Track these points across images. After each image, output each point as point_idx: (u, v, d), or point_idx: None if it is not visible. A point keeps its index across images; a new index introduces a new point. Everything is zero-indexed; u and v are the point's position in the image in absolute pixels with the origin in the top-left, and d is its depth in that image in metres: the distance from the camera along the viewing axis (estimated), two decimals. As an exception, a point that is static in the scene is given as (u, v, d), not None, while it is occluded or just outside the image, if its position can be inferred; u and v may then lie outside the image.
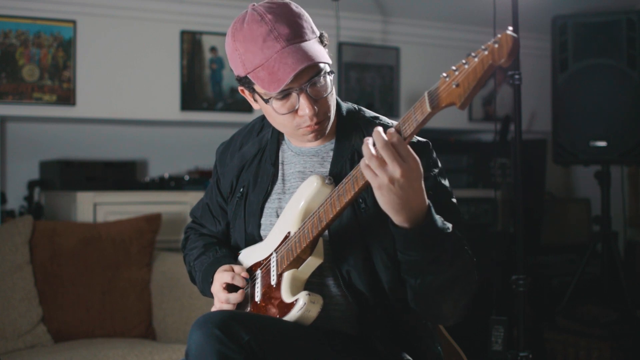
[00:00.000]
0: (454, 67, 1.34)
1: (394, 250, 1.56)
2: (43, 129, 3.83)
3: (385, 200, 1.44)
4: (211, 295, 1.81)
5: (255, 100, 1.72)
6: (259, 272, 1.74)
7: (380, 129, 1.44)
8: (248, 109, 3.92)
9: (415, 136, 1.68)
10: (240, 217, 1.82)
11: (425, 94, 1.38)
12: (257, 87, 1.66)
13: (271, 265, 1.69)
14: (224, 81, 3.92)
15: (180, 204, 3.61)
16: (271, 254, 1.71)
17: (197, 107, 3.86)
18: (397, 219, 1.47)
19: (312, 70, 1.60)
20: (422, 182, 1.46)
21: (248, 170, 1.85)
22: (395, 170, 1.40)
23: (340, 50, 4.18)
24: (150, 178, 3.79)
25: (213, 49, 3.88)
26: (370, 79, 4.31)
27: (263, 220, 1.79)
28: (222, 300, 1.73)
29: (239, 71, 1.67)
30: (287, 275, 1.64)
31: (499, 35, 1.28)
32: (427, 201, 1.48)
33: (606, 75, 3.77)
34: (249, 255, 1.80)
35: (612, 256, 3.79)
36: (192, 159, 4.04)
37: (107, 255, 3.20)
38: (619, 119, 3.74)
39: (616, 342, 3.48)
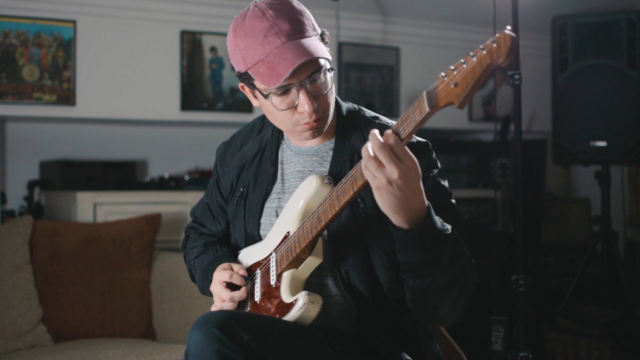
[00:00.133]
0: (452, 67, 1.34)
1: (392, 250, 1.56)
2: (43, 129, 3.83)
3: (384, 201, 1.44)
4: (211, 294, 1.81)
5: (255, 97, 1.72)
6: (258, 272, 1.74)
7: (376, 131, 1.44)
8: (248, 109, 3.92)
9: (414, 136, 1.68)
10: (240, 216, 1.82)
11: (424, 93, 1.38)
12: (257, 83, 1.66)
13: (270, 265, 1.69)
14: (224, 81, 3.92)
15: (180, 204, 3.61)
16: (270, 254, 1.71)
17: (197, 107, 3.86)
18: (396, 220, 1.47)
19: (312, 66, 1.61)
20: (421, 183, 1.46)
21: (248, 170, 1.85)
22: (392, 171, 1.40)
23: (340, 50, 4.18)
24: (150, 178, 3.79)
25: (213, 49, 3.88)
26: (370, 79, 4.32)
27: (263, 220, 1.79)
28: (225, 298, 1.73)
29: (239, 67, 1.67)
30: (286, 275, 1.64)
31: (498, 35, 1.28)
32: (427, 202, 1.48)
33: (606, 75, 3.77)
34: (249, 255, 1.80)
35: (612, 256, 3.79)
36: (192, 159, 4.04)
37: (107, 255, 3.20)
38: (619, 119, 3.74)
39: (616, 342, 3.48)
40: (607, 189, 3.84)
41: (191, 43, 3.84)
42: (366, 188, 1.49)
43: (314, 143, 1.77)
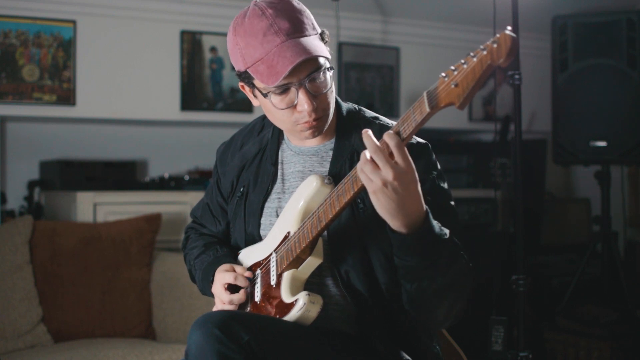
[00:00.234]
0: (452, 67, 1.34)
1: (391, 251, 1.56)
2: (43, 129, 3.83)
3: (380, 205, 1.44)
4: (211, 295, 1.81)
5: (255, 96, 1.72)
6: (258, 272, 1.74)
7: (370, 133, 1.44)
8: (248, 109, 3.92)
9: (414, 137, 1.68)
10: (241, 216, 1.82)
11: (424, 94, 1.38)
12: (256, 82, 1.66)
13: (271, 265, 1.69)
14: (224, 81, 3.92)
15: (180, 204, 3.61)
16: (271, 254, 1.71)
17: (197, 107, 3.86)
18: (393, 224, 1.47)
19: (312, 65, 1.61)
20: (419, 187, 1.45)
21: (248, 170, 1.85)
22: (387, 173, 1.40)
23: (340, 50, 4.18)
24: (150, 178, 3.79)
25: (213, 49, 3.88)
26: (370, 79, 4.31)
27: (263, 220, 1.79)
28: (225, 302, 1.73)
29: (239, 66, 1.67)
30: (286, 275, 1.64)
31: (498, 35, 1.28)
32: (425, 207, 1.48)
33: (606, 75, 3.77)
34: (249, 255, 1.80)
35: (612, 256, 3.79)
36: (192, 159, 4.04)
37: (107, 255, 3.20)
38: (619, 119, 3.74)
39: (616, 342, 3.48)
40: (607, 189, 3.84)
41: (191, 43, 3.84)
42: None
43: (314, 143, 1.77)
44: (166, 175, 3.78)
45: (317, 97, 1.64)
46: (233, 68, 1.72)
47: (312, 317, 1.57)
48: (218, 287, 1.75)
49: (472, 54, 1.32)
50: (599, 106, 3.77)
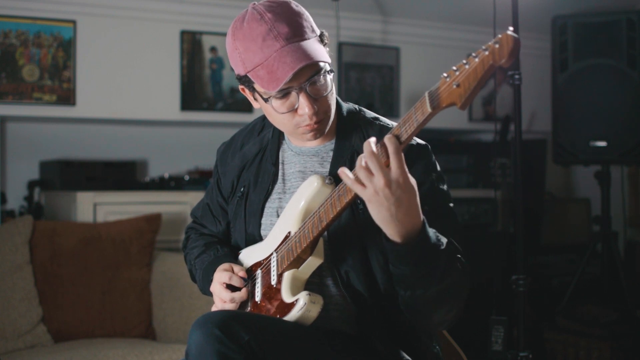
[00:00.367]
0: (454, 67, 1.34)
1: None
2: (43, 129, 3.83)
3: (374, 213, 1.45)
4: (211, 294, 1.81)
5: (256, 99, 1.72)
6: (259, 272, 1.74)
7: (373, 140, 1.44)
8: (248, 109, 3.92)
9: (414, 138, 1.68)
10: (241, 216, 1.82)
11: (426, 94, 1.38)
12: (256, 86, 1.66)
13: (271, 265, 1.69)
14: (224, 81, 3.92)
15: (180, 204, 3.61)
16: (271, 254, 1.71)
17: (197, 107, 3.86)
18: (388, 232, 1.46)
19: (312, 69, 1.60)
20: (415, 197, 1.44)
21: (249, 170, 1.85)
22: (379, 180, 1.40)
23: (340, 50, 4.18)
24: (150, 178, 3.79)
25: (213, 49, 3.88)
26: (370, 79, 4.31)
27: (263, 220, 1.79)
28: (226, 300, 1.73)
29: (239, 70, 1.67)
30: (287, 275, 1.64)
31: (500, 36, 1.28)
32: (422, 217, 1.47)
33: (606, 75, 3.77)
34: (250, 255, 1.80)
35: (612, 256, 3.79)
36: (192, 159, 4.03)
37: (107, 255, 3.20)
38: (619, 119, 3.74)
39: (616, 342, 3.48)
40: (607, 189, 3.84)
41: (191, 43, 3.84)
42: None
43: (315, 144, 1.77)
44: (166, 175, 3.78)
45: (317, 100, 1.64)
46: (233, 69, 1.71)
47: (312, 317, 1.57)
48: (217, 286, 1.75)
49: (473, 54, 1.31)
50: (599, 106, 3.77)
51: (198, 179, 3.79)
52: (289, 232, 1.67)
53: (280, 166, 1.81)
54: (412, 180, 1.45)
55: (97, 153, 3.88)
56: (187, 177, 3.77)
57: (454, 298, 1.58)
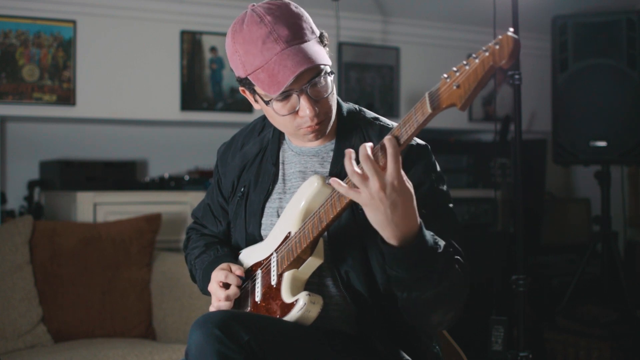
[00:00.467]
0: (454, 68, 1.34)
1: None
2: (43, 129, 3.83)
3: (370, 217, 1.45)
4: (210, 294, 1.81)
5: (256, 101, 1.72)
6: (259, 272, 1.74)
7: (369, 146, 1.43)
8: (248, 109, 3.92)
9: (415, 139, 1.68)
10: (241, 216, 1.83)
11: (426, 94, 1.38)
12: (257, 89, 1.66)
13: (271, 266, 1.69)
14: (224, 81, 3.92)
15: (180, 204, 3.61)
16: (271, 254, 1.71)
17: (197, 107, 3.86)
18: (384, 235, 1.46)
19: (312, 71, 1.60)
20: (412, 200, 1.44)
21: (249, 170, 1.85)
22: (374, 183, 1.41)
23: (340, 50, 4.18)
24: (150, 178, 3.79)
25: (213, 49, 3.88)
26: (370, 79, 4.31)
27: (264, 220, 1.79)
28: (220, 298, 1.73)
29: (239, 72, 1.67)
30: (287, 276, 1.64)
31: (500, 37, 1.28)
32: (419, 220, 1.47)
33: (606, 75, 3.77)
34: (250, 255, 1.80)
35: (612, 256, 3.79)
36: (192, 159, 4.04)
37: (107, 255, 3.20)
38: (619, 119, 3.74)
39: (616, 342, 3.48)
40: (607, 189, 3.84)
41: (191, 43, 3.84)
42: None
43: (315, 144, 1.77)
44: (166, 175, 3.78)
45: (318, 101, 1.64)
46: (233, 70, 1.71)
47: (312, 317, 1.57)
48: (214, 285, 1.75)
49: (474, 55, 1.31)
50: (599, 106, 3.77)
51: (198, 179, 3.79)
52: (289, 233, 1.67)
53: (280, 166, 1.81)
54: (409, 184, 1.45)
55: (97, 153, 3.88)
56: (187, 177, 3.77)
57: (452, 300, 1.58)
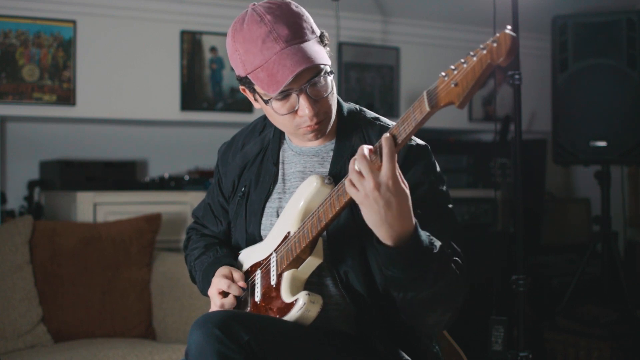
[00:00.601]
0: (452, 67, 1.34)
1: None
2: (43, 129, 3.83)
3: (365, 216, 1.46)
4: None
5: (256, 100, 1.72)
6: (258, 272, 1.74)
7: (367, 148, 1.44)
8: (248, 109, 3.92)
9: (414, 139, 1.68)
10: (242, 216, 1.83)
11: (424, 93, 1.38)
12: (257, 88, 1.66)
13: (271, 265, 1.69)
14: (224, 81, 3.92)
15: (180, 204, 3.61)
16: (271, 254, 1.71)
17: (197, 107, 3.86)
18: (379, 234, 1.47)
19: (312, 70, 1.60)
20: (407, 200, 1.45)
21: (250, 170, 1.85)
22: (369, 182, 1.41)
23: (340, 50, 4.18)
24: (150, 178, 3.79)
25: (213, 49, 3.88)
26: (370, 79, 4.32)
27: (264, 220, 1.79)
28: (217, 305, 1.74)
29: (239, 71, 1.67)
30: (286, 275, 1.64)
31: (498, 35, 1.28)
32: (414, 221, 1.47)
33: (606, 75, 3.77)
34: (249, 255, 1.80)
35: (612, 256, 3.79)
36: (192, 159, 4.04)
37: (107, 255, 3.20)
38: (619, 119, 3.74)
39: (616, 342, 3.48)
40: (607, 189, 3.84)
41: (191, 43, 3.84)
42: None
43: (315, 144, 1.77)
44: (166, 175, 3.78)
45: (318, 101, 1.64)
46: (233, 69, 1.72)
47: (312, 317, 1.57)
48: (213, 291, 1.76)
49: (472, 53, 1.32)
50: (599, 106, 3.77)
51: (198, 179, 3.79)
52: (289, 232, 1.67)
53: (280, 166, 1.81)
54: (404, 184, 1.45)
55: (97, 153, 3.88)
56: (187, 177, 3.77)
57: (449, 300, 1.58)
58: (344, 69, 4.22)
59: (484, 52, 1.29)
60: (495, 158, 4.08)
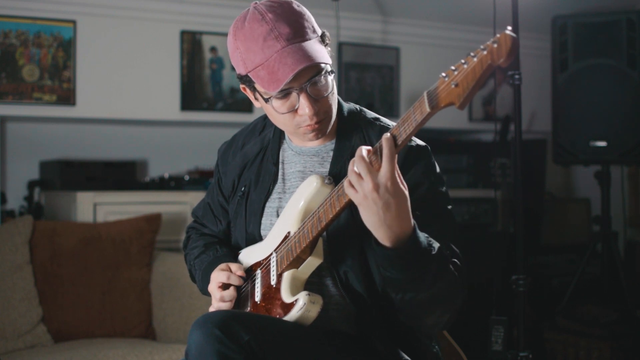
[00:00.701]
0: (453, 67, 1.34)
1: None
2: (43, 129, 3.83)
3: (364, 217, 1.46)
4: (209, 294, 1.81)
5: (256, 99, 1.72)
6: (258, 272, 1.74)
7: (365, 149, 1.44)
8: (248, 109, 3.92)
9: (414, 139, 1.68)
10: (242, 216, 1.83)
11: (425, 94, 1.38)
12: (257, 86, 1.66)
13: (271, 265, 1.69)
14: (224, 81, 3.92)
15: (180, 204, 3.61)
16: (271, 254, 1.71)
17: (197, 107, 3.86)
18: (377, 236, 1.47)
19: (312, 69, 1.60)
20: (405, 201, 1.45)
21: (250, 170, 1.85)
22: (367, 183, 1.41)
23: (340, 50, 4.18)
24: (150, 178, 3.79)
25: (213, 49, 3.88)
26: (370, 79, 4.32)
27: (263, 220, 1.79)
28: (217, 299, 1.73)
29: (240, 69, 1.67)
30: (287, 275, 1.64)
31: (498, 35, 1.28)
32: (413, 222, 1.47)
33: (606, 75, 3.77)
34: (249, 255, 1.80)
35: (612, 256, 3.79)
36: (192, 159, 4.04)
37: (107, 255, 3.20)
38: (619, 119, 3.74)
39: (616, 342, 3.48)
40: (607, 189, 3.84)
41: (191, 43, 3.84)
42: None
43: (315, 144, 1.77)
44: (166, 175, 3.78)
45: (318, 100, 1.64)
46: (233, 68, 1.72)
47: (312, 317, 1.57)
48: (213, 286, 1.76)
49: (472, 53, 1.32)
50: (599, 106, 3.77)
51: (198, 179, 3.79)
52: (289, 232, 1.67)
53: (280, 166, 1.81)
54: (403, 186, 1.45)
55: (97, 153, 3.88)
56: (187, 177, 3.77)
57: (447, 301, 1.58)
58: (344, 69, 4.22)
59: (484, 52, 1.29)
60: (495, 158, 4.07)
